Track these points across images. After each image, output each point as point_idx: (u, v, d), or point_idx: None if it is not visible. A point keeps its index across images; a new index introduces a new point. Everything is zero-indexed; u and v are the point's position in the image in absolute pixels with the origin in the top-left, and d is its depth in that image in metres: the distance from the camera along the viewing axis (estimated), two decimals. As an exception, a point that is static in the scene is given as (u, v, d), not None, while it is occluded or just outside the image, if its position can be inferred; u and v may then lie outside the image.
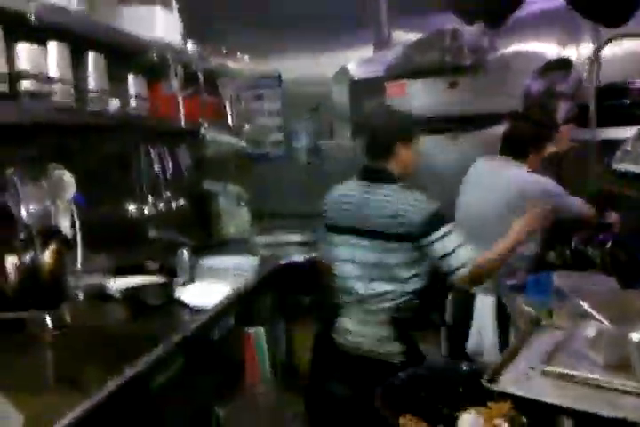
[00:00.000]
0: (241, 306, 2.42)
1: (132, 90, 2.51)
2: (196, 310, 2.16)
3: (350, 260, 2.06)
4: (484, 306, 2.41)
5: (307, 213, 3.71)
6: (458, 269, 1.90)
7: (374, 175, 2.05)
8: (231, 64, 3.42)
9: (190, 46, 2.95)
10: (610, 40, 2.34)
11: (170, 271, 2.55)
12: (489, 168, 2.57)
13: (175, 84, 2.72)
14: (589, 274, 2.14)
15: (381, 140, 2.04)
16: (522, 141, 2.59)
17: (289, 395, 2.30)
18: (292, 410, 2.22)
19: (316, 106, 3.61)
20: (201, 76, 2.98)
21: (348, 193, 2.10)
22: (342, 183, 2.17)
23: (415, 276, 2.00)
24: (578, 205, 2.46)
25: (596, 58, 2.42)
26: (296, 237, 3.54)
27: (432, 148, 2.91)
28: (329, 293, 2.16)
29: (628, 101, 2.80)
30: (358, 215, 2.02)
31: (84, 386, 1.48)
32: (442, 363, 1.71)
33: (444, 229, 1.90)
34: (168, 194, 2.97)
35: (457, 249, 1.89)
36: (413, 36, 3.32)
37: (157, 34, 2.59)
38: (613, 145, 1.59)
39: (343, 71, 3.27)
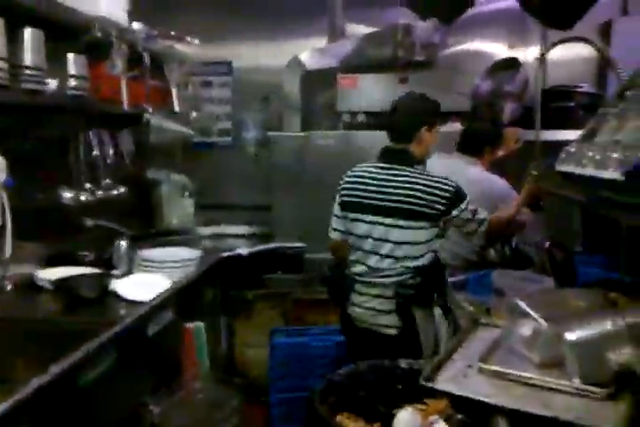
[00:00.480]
0: (181, 300, 2.34)
1: (71, 69, 2.38)
2: (133, 304, 2.09)
3: (367, 235, 2.17)
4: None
5: (253, 204, 3.69)
6: (476, 229, 2.20)
7: (396, 156, 2.18)
8: (180, 47, 3.30)
9: (136, 26, 2.82)
10: (557, 43, 2.38)
11: (106, 262, 2.46)
12: (446, 165, 2.58)
13: (119, 64, 2.60)
14: (528, 273, 2.18)
15: (407, 123, 2.19)
16: (480, 140, 2.66)
17: (228, 390, 2.25)
18: (231, 405, 2.18)
19: (267, 95, 3.54)
20: (147, 58, 2.86)
21: (370, 173, 2.20)
22: (362, 165, 2.29)
23: (424, 255, 2.15)
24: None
25: (542, 60, 2.46)
26: (241, 230, 3.49)
27: (380, 143, 2.90)
28: (343, 268, 2.30)
29: (572, 104, 2.88)
30: (380, 194, 2.14)
31: (9, 382, 1.41)
32: (382, 361, 1.69)
33: (464, 203, 2.13)
34: (107, 181, 2.84)
35: (475, 214, 2.16)
36: (367, 30, 3.31)
37: (101, 10, 2.47)
38: (557, 147, 1.62)
39: (296, 61, 3.22)
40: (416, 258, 2.14)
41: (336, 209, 2.30)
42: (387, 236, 2.13)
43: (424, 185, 2.10)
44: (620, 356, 1.19)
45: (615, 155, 1.15)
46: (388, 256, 2.15)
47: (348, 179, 2.26)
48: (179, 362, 2.36)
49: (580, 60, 3.31)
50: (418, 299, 2.15)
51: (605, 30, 3.16)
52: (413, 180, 2.11)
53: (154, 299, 2.14)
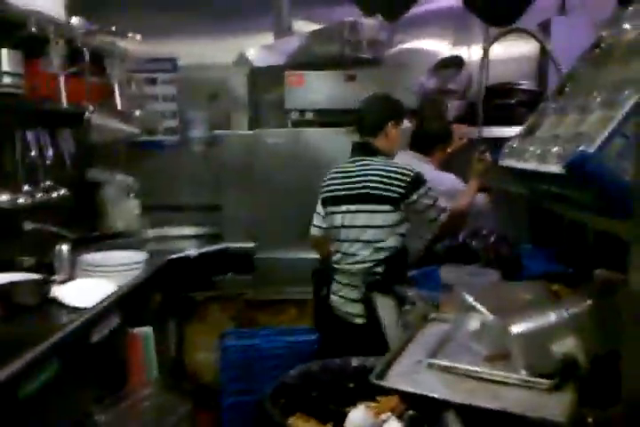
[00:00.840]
0: (127, 304, 2.27)
1: (5, 66, 2.26)
2: (76, 310, 2.01)
3: (341, 225, 2.33)
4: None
5: (201, 205, 3.62)
6: (437, 217, 2.30)
7: (362, 149, 2.35)
8: (121, 44, 3.20)
9: (75, 21, 2.72)
10: (501, 35, 2.42)
11: (47, 268, 2.36)
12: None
13: (56, 61, 2.50)
14: (475, 267, 2.22)
15: (373, 118, 2.35)
16: (432, 140, 2.71)
17: (176, 397, 2.20)
18: (180, 412, 2.12)
19: (215, 93, 3.47)
20: (86, 55, 2.75)
21: (342, 168, 2.37)
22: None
23: (390, 238, 2.26)
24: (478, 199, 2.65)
25: (485, 54, 2.50)
26: (189, 231, 3.42)
27: (327, 140, 2.91)
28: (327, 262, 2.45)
29: (513, 101, 2.95)
30: (349, 184, 2.30)
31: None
32: (335, 360, 1.68)
33: (424, 188, 2.25)
34: (47, 183, 2.73)
35: (435, 202, 2.28)
36: (313, 27, 3.30)
37: (37, 4, 2.36)
38: (500, 143, 1.64)
39: (242, 58, 3.17)
40: (382, 241, 2.26)
41: (318, 207, 2.46)
42: (354, 221, 2.29)
43: (385, 171, 2.25)
44: (564, 346, 1.21)
45: (555, 149, 1.17)
46: (356, 241, 2.29)
47: (326, 177, 2.42)
48: (125, 369, 2.28)
49: (520, 58, 3.41)
50: (379, 286, 2.22)
51: (544, 29, 3.26)
52: (375, 167, 2.27)
53: (97, 305, 2.06)
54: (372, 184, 2.25)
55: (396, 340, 2.15)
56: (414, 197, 2.23)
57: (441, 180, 2.63)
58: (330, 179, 2.40)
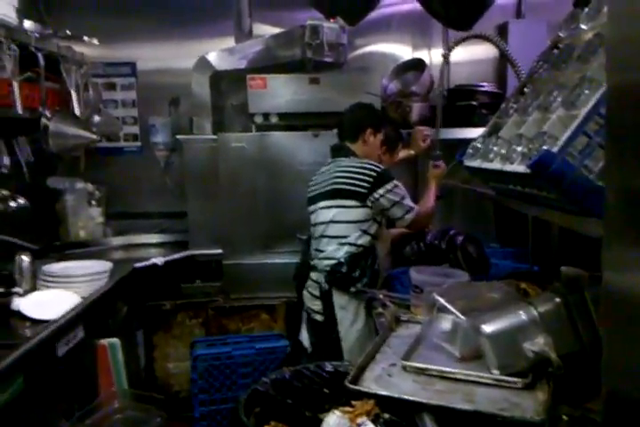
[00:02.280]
0: (92, 316, 2.21)
1: (-45, 72, 2.19)
2: (39, 323, 1.95)
3: (313, 222, 2.39)
4: None
5: (166, 211, 3.56)
6: (404, 215, 2.28)
7: (339, 151, 2.43)
8: (78, 48, 3.12)
9: (28, 24, 2.64)
10: (461, 40, 2.47)
11: (7, 280, 2.27)
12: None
13: (9, 66, 2.42)
14: (443, 268, 2.24)
15: (352, 124, 2.43)
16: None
17: (148, 408, 2.15)
18: (152, 424, 2.07)
19: (176, 98, 3.42)
20: (41, 59, 2.68)
21: (320, 170, 2.45)
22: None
23: (354, 234, 2.27)
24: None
25: (446, 59, 2.54)
26: (155, 238, 3.35)
27: (292, 144, 2.89)
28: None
29: (475, 103, 2.99)
30: (322, 182, 2.36)
31: None
32: (308, 365, 1.67)
33: (390, 185, 2.26)
34: (4, 192, 2.65)
35: (402, 199, 2.28)
36: (274, 30, 3.28)
37: (-14, 9, 2.29)
38: (461, 145, 1.67)
39: (203, 62, 3.12)
40: (345, 237, 2.27)
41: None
42: (323, 217, 2.33)
43: (353, 167, 2.30)
44: (535, 345, 1.23)
45: (519, 148, 1.19)
46: (322, 236, 2.33)
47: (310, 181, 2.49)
48: (93, 382, 2.22)
49: (480, 60, 3.47)
50: (338, 283, 2.26)
51: (501, 32, 3.32)
52: (345, 164, 2.34)
53: (62, 317, 1.99)
54: (339, 180, 2.29)
55: (351, 339, 2.20)
56: (380, 191, 2.24)
57: None
58: (311, 181, 2.46)
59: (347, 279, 2.24)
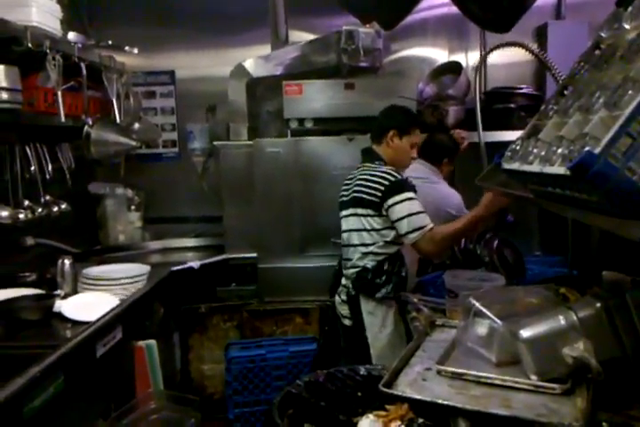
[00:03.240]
0: (130, 318, 2.25)
1: (2, 82, 2.27)
2: (79, 325, 1.99)
3: (342, 230, 2.36)
4: None
5: (202, 216, 3.61)
6: (408, 233, 2.13)
7: (366, 155, 2.38)
8: (118, 58, 3.21)
9: (71, 36, 2.72)
10: (494, 48, 2.43)
11: (49, 283, 2.34)
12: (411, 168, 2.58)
13: (53, 76, 2.50)
14: (479, 272, 2.20)
15: (379, 126, 2.37)
16: (439, 151, 2.75)
17: (184, 409, 2.17)
18: (187, 425, 2.10)
19: (213, 105, 3.47)
20: (83, 69, 2.76)
21: (350, 175, 2.40)
22: None
23: (377, 243, 2.22)
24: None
25: (482, 64, 2.51)
26: (191, 242, 3.40)
27: (326, 149, 2.90)
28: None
29: (513, 106, 2.95)
30: (348, 190, 2.34)
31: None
32: (341, 368, 1.66)
33: (402, 196, 2.14)
34: (47, 198, 2.73)
35: (411, 215, 2.12)
36: (310, 36, 3.31)
37: (33, 20, 2.37)
38: (502, 147, 1.64)
39: (240, 69, 3.17)
40: (368, 245, 2.24)
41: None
42: (347, 225, 2.32)
43: (372, 175, 2.24)
44: (574, 350, 1.20)
45: (560, 150, 1.16)
46: (348, 244, 2.32)
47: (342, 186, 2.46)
48: (131, 383, 2.26)
49: (518, 62, 3.41)
50: (364, 289, 2.24)
51: (540, 33, 3.27)
52: (366, 172, 2.27)
53: (101, 318, 2.04)
54: (359, 188, 2.25)
55: (379, 345, 2.18)
56: (389, 202, 2.15)
57: (453, 194, 2.72)
58: (342, 186, 2.44)
59: (371, 285, 2.22)
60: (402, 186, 2.17)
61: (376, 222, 2.22)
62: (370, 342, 2.22)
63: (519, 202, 2.17)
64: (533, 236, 3.14)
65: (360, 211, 2.25)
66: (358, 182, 2.27)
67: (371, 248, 2.23)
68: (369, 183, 2.22)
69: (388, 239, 2.22)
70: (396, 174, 2.21)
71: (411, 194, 2.16)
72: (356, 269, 2.27)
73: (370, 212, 2.22)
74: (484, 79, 3.35)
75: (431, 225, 2.12)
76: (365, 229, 2.24)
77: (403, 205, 2.13)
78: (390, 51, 3.49)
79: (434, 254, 2.25)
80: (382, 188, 2.17)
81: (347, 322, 2.32)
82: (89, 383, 1.91)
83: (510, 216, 2.80)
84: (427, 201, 2.52)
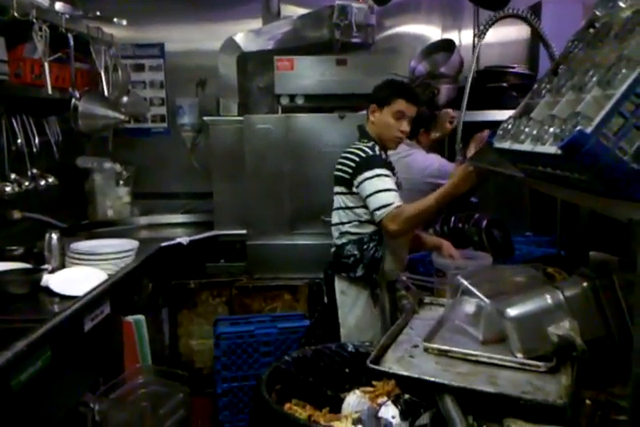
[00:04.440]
0: (118, 293, 2.25)
1: (-13, 52, 2.22)
2: (67, 299, 1.99)
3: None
4: None
5: (192, 192, 3.59)
6: (377, 209, 2.04)
7: (359, 131, 2.29)
8: (107, 29, 3.14)
9: (59, 6, 2.66)
10: (496, 20, 2.38)
11: (37, 257, 2.32)
12: None
13: (40, 46, 2.45)
14: (467, 251, 2.22)
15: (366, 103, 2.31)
16: (413, 124, 2.68)
17: (172, 384, 2.19)
18: (176, 399, 2.12)
19: (203, 79, 3.42)
20: (71, 40, 2.70)
21: None
22: None
23: (352, 221, 2.19)
24: None
25: (480, 37, 2.47)
26: (180, 218, 3.39)
27: (317, 126, 2.88)
28: None
29: (505, 85, 2.93)
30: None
31: None
32: (329, 345, 1.68)
33: (371, 173, 2.07)
34: (34, 171, 2.70)
35: (379, 192, 2.04)
36: (302, 11, 3.25)
37: (18, -11, 2.31)
38: (494, 126, 1.63)
39: (231, 43, 3.11)
40: (344, 223, 2.22)
41: None
42: (333, 204, 2.28)
43: (347, 152, 2.19)
44: (560, 329, 1.21)
45: (551, 129, 1.15)
46: (331, 224, 2.30)
47: None
48: (119, 357, 2.27)
49: (511, 41, 3.38)
50: (335, 268, 2.24)
51: (535, 12, 3.23)
52: (346, 149, 2.22)
53: (88, 293, 2.03)
54: (337, 166, 2.21)
55: (348, 324, 2.19)
56: (359, 178, 2.09)
57: (430, 160, 2.69)
58: None
59: (344, 265, 2.21)
60: (371, 162, 2.09)
61: (349, 200, 2.19)
62: (340, 321, 2.22)
63: (511, 182, 2.18)
64: (525, 216, 3.15)
65: (337, 189, 2.23)
66: (338, 160, 2.22)
67: (347, 227, 2.21)
68: (343, 160, 2.18)
69: (362, 219, 2.17)
70: (367, 150, 2.13)
71: (381, 170, 2.07)
72: (336, 250, 2.26)
73: (344, 189, 2.19)
74: (477, 57, 3.32)
75: (398, 203, 2.02)
76: (341, 208, 2.22)
77: (371, 182, 2.06)
78: (383, 27, 3.44)
79: (397, 234, 2.06)
80: (353, 164, 2.12)
81: (325, 299, 2.33)
82: (77, 358, 1.91)
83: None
84: (410, 176, 2.54)
